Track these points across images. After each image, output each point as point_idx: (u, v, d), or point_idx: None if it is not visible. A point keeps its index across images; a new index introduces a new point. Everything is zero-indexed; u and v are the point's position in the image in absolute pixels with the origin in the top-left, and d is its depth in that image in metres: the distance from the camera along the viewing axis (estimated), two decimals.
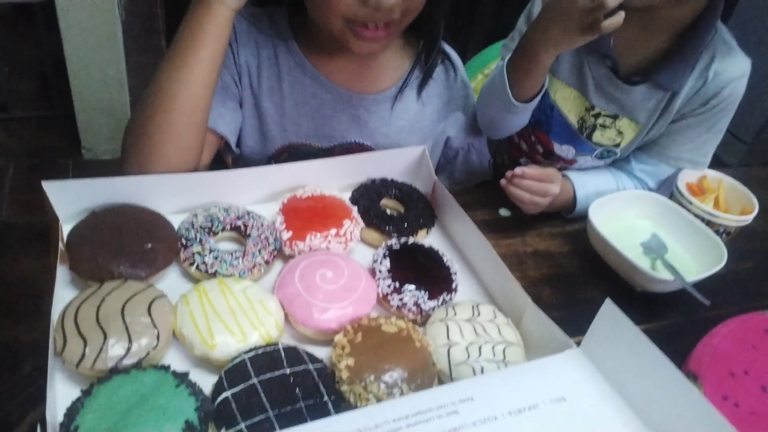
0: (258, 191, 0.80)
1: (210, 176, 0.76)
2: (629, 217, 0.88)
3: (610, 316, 0.58)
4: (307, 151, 0.91)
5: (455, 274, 0.73)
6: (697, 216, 0.86)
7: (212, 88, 0.75)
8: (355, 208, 0.78)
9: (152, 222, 0.70)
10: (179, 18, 1.16)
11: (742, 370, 0.65)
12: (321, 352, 0.62)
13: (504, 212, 0.91)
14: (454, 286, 0.71)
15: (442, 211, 0.83)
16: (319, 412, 0.54)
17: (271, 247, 0.71)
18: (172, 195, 0.74)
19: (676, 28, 0.80)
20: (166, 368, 0.55)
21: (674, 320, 0.79)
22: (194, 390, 0.54)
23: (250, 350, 0.58)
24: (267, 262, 0.70)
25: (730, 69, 0.82)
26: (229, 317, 0.61)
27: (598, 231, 0.80)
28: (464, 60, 1.17)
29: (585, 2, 0.71)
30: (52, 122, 2.40)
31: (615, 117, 0.89)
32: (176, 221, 0.73)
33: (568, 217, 0.92)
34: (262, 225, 0.73)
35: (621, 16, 0.70)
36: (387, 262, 0.71)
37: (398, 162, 0.86)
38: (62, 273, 0.64)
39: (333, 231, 0.73)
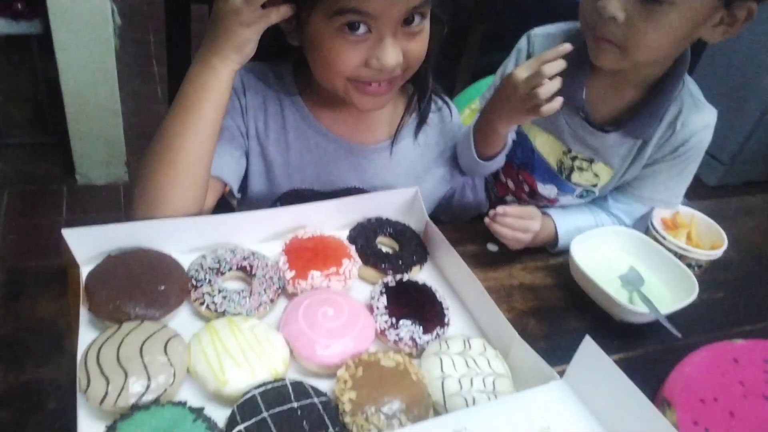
0: (261, 232, 0.85)
1: (217, 219, 0.81)
2: (608, 251, 0.94)
3: (589, 350, 0.64)
4: (311, 195, 0.96)
5: (447, 309, 0.78)
6: (670, 250, 0.92)
7: (215, 139, 0.81)
8: (352, 247, 0.84)
9: (164, 264, 0.74)
10: (179, 49, 1.23)
11: (711, 397, 0.71)
12: (324, 385, 0.67)
13: (492, 247, 0.97)
14: (446, 320, 0.76)
15: (433, 248, 0.89)
16: None
17: (275, 286, 0.76)
18: (181, 237, 0.79)
19: (646, 82, 0.87)
20: (183, 404, 0.60)
21: (650, 348, 0.84)
22: (210, 424, 0.58)
23: (260, 386, 0.63)
24: (272, 301, 0.75)
25: (697, 120, 0.89)
26: (239, 355, 0.65)
27: (579, 266, 0.86)
28: (451, 96, 1.24)
29: (521, 91, 0.79)
30: (46, 149, 2.44)
31: (591, 161, 0.96)
32: (186, 261, 0.77)
33: (552, 251, 0.98)
34: (267, 265, 0.78)
35: (558, 102, 0.78)
36: (384, 299, 0.77)
37: (392, 202, 0.92)
38: (82, 314, 0.68)
39: (333, 269, 0.79)
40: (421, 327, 0.74)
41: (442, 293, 0.80)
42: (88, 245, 0.73)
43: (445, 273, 0.87)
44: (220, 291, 0.73)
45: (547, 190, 1.03)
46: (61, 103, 2.16)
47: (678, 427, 0.68)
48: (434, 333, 0.74)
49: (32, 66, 2.27)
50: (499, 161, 0.96)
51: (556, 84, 0.78)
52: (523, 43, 0.98)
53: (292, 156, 0.94)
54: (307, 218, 0.86)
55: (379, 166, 0.97)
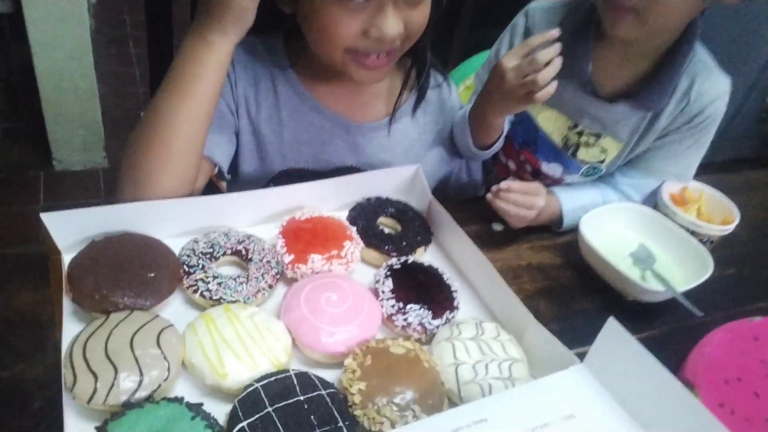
0: (255, 214, 0.80)
1: (208, 200, 0.75)
2: (617, 228, 0.90)
3: (613, 332, 0.60)
4: (306, 175, 0.91)
5: (456, 291, 0.74)
6: (681, 226, 0.89)
7: (209, 118, 0.75)
8: (353, 229, 0.79)
9: (153, 249, 0.69)
10: (159, 28, 1.15)
11: (735, 377, 0.68)
12: (330, 375, 0.62)
13: (497, 226, 0.92)
14: (455, 304, 0.72)
15: (438, 228, 0.84)
16: None
17: (274, 271, 0.71)
18: (171, 220, 0.74)
19: (656, 52, 0.83)
20: (180, 400, 0.55)
21: (665, 328, 0.81)
22: (210, 422, 0.54)
23: (262, 378, 0.58)
24: (270, 286, 0.70)
25: (712, 89, 0.85)
26: (238, 345, 0.61)
27: (590, 244, 0.82)
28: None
29: (512, 81, 0.77)
30: (21, 134, 2.34)
31: (598, 135, 0.92)
32: (176, 245, 0.72)
33: (557, 231, 0.94)
34: (264, 249, 0.73)
35: (553, 86, 0.75)
36: (389, 283, 0.72)
37: (392, 181, 0.87)
38: (66, 304, 0.63)
39: (334, 252, 0.74)
40: (430, 312, 0.70)
41: (449, 275, 0.76)
42: (69, 230, 0.67)
43: (451, 254, 0.83)
44: (215, 277, 0.68)
45: (551, 169, 0.99)
46: (36, 86, 2.06)
47: None
48: (444, 317, 0.70)
49: (4, 47, 2.17)
50: (497, 147, 0.92)
51: (554, 69, 0.75)
52: (520, 19, 0.93)
53: (286, 134, 0.88)
54: (303, 198, 0.81)
55: (377, 144, 0.92)
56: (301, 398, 0.57)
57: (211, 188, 0.97)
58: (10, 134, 2.34)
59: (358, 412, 0.57)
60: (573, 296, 0.84)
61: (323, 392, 0.58)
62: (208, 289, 0.67)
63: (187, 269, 0.69)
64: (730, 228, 0.90)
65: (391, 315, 0.69)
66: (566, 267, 0.88)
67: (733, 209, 0.93)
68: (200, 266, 0.69)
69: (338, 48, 0.77)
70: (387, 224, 0.86)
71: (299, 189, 0.80)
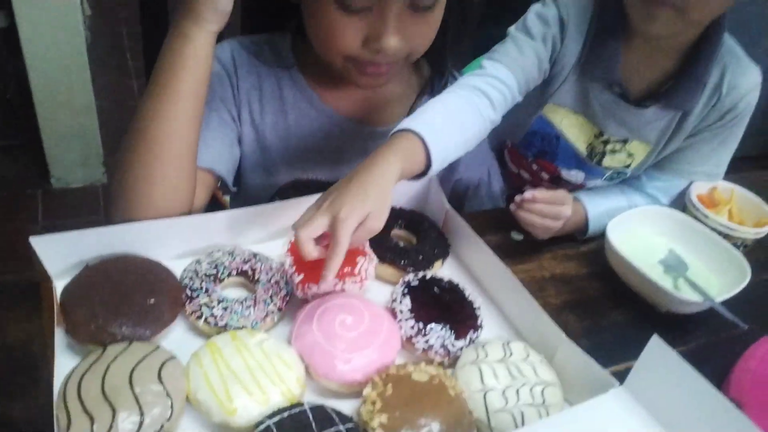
0: (261, 230, 0.75)
1: (209, 218, 0.70)
2: (645, 234, 0.85)
3: (656, 351, 0.55)
4: (315, 186, 0.86)
5: (479, 308, 0.69)
6: (713, 230, 0.83)
7: (198, 120, 0.69)
8: (366, 243, 0.74)
9: (152, 273, 0.64)
10: (154, 38, 1.11)
11: None
12: (348, 406, 0.58)
13: (516, 236, 0.87)
14: (479, 322, 0.67)
15: (455, 240, 0.79)
16: None
17: (283, 292, 0.66)
18: (170, 240, 0.69)
19: (682, 48, 0.78)
20: None
21: (701, 342, 0.76)
22: None
23: (274, 414, 0.53)
24: (280, 309, 0.65)
25: (744, 81, 0.80)
26: (247, 376, 0.56)
27: (618, 252, 0.77)
28: None
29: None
30: (18, 151, 2.29)
31: (625, 141, 0.86)
32: (177, 268, 0.67)
33: (581, 238, 0.89)
34: (271, 268, 0.68)
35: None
36: (407, 301, 0.67)
37: (406, 191, 0.82)
38: (59, 336, 0.58)
39: (347, 269, 0.69)
40: (452, 332, 0.64)
41: (471, 291, 0.71)
42: (61, 255, 0.63)
43: (471, 267, 0.78)
44: (219, 301, 0.63)
45: (572, 175, 0.94)
46: (31, 102, 2.02)
47: None
48: (467, 338, 0.65)
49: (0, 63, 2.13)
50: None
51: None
52: (550, 8, 0.84)
53: (293, 141, 0.83)
54: None
55: None
56: None
57: (213, 205, 0.92)
58: (6, 151, 2.29)
59: None
60: (602, 309, 0.78)
61: (341, 427, 0.53)
62: (212, 315, 0.62)
63: (189, 293, 0.64)
64: (766, 230, 0.84)
65: (411, 337, 0.64)
66: (593, 277, 0.83)
67: (766, 209, 0.87)
68: (204, 289, 0.64)
69: (338, 54, 0.72)
70: (401, 236, 0.81)
71: (307, 201, 0.75)
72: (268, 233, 0.75)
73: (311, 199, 0.74)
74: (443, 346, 0.63)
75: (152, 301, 0.61)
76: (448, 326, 0.65)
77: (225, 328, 0.61)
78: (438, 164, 0.68)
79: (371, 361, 0.60)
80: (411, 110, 0.86)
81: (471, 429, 0.56)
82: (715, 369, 0.69)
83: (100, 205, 2.21)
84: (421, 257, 0.74)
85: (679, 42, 0.78)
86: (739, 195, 0.91)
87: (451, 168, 0.85)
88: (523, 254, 0.86)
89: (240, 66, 0.80)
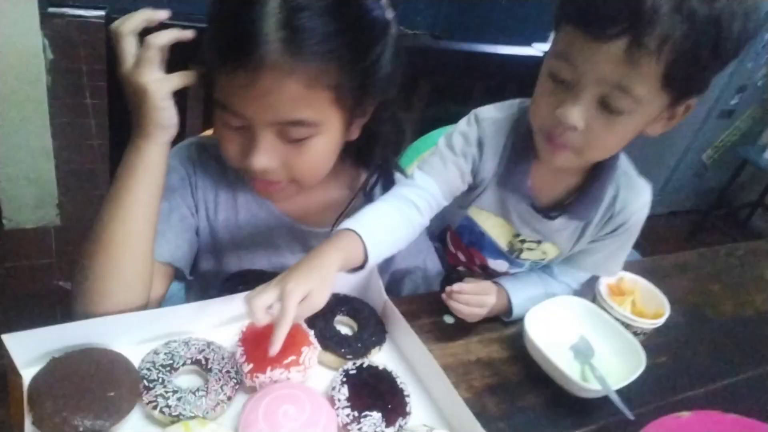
0: (215, 318, 0.82)
1: (167, 312, 0.78)
2: (560, 320, 0.96)
3: None
4: (260, 276, 0.93)
5: (408, 396, 0.78)
6: (617, 320, 0.95)
7: (153, 222, 0.77)
8: (311, 332, 0.82)
9: (113, 365, 0.71)
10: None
11: None
12: None
13: (448, 319, 0.97)
14: (408, 409, 0.76)
15: (392, 326, 0.88)
16: None
17: (233, 382, 0.74)
18: (131, 329, 0.75)
19: (585, 168, 0.90)
20: None
21: (601, 423, 0.86)
22: None
23: None
24: (229, 398, 0.73)
25: (634, 200, 0.93)
26: None
27: (534, 343, 0.88)
28: None
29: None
30: None
31: (539, 242, 0.99)
32: (137, 354, 0.74)
33: (507, 320, 1.00)
34: (223, 358, 0.76)
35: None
36: (345, 390, 0.76)
37: (348, 281, 0.91)
38: (27, 428, 0.63)
39: (292, 359, 0.77)
40: (384, 420, 0.73)
41: (402, 378, 0.80)
42: (29, 348, 0.69)
43: (404, 353, 0.87)
44: (174, 392, 0.70)
45: (497, 264, 1.05)
46: None
47: None
48: (397, 425, 0.73)
49: None
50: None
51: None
52: (471, 126, 0.94)
53: (242, 237, 0.92)
54: None
55: None
56: None
57: None
58: None
59: None
60: (520, 392, 0.88)
61: None
62: (167, 405, 0.68)
63: (147, 384, 0.70)
64: (660, 321, 0.97)
65: (347, 424, 0.72)
66: (513, 361, 0.93)
67: (664, 302, 1.00)
68: (160, 380, 0.71)
69: (231, 164, 0.80)
70: (344, 323, 0.89)
71: None
72: (220, 320, 0.83)
73: None
74: None
75: (112, 393, 0.67)
76: (380, 414, 0.74)
77: (179, 417, 0.68)
78: (374, 259, 0.78)
79: None
80: (346, 210, 0.93)
81: None
82: None
83: (52, 246, 2.22)
84: (359, 345, 0.83)
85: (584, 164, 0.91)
86: (642, 286, 1.04)
87: (388, 260, 0.94)
88: (454, 336, 0.95)
89: (198, 167, 0.88)
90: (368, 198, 0.94)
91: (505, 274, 1.05)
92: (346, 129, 0.81)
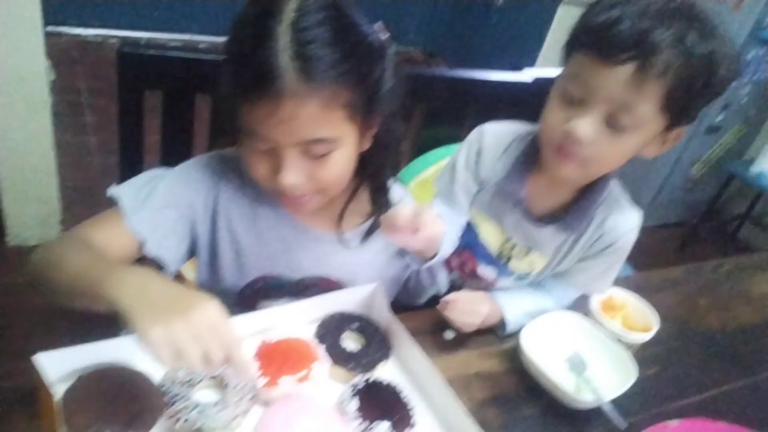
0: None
1: None
2: (555, 334, 1.01)
3: None
4: (278, 282, 0.99)
5: (412, 409, 0.83)
6: (609, 333, 1.01)
7: None
8: (322, 347, 0.87)
9: (136, 382, 0.75)
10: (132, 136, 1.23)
11: None
12: None
13: (448, 335, 1.02)
14: (412, 422, 0.81)
15: (397, 342, 0.93)
16: None
17: (249, 395, 0.78)
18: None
19: (579, 183, 0.97)
20: None
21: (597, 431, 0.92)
22: None
23: None
24: (245, 412, 0.77)
25: (623, 224, 1.00)
26: None
27: (529, 357, 0.93)
28: (397, 169, 1.30)
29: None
30: None
31: (527, 251, 1.05)
32: (157, 370, 0.78)
33: (502, 336, 1.05)
34: (239, 373, 0.80)
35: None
36: (355, 402, 0.80)
37: (354, 298, 0.96)
38: None
39: (304, 373, 0.82)
40: (394, 430, 0.78)
41: (407, 392, 0.85)
42: (59, 366, 0.73)
43: (410, 367, 0.92)
44: (195, 407, 0.74)
45: (486, 271, 1.11)
46: None
47: None
48: None
49: None
50: (440, 258, 0.98)
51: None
52: (475, 137, 1.04)
53: (263, 244, 0.96)
54: (274, 320, 0.89)
55: (346, 257, 1.00)
56: None
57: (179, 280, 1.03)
58: None
59: None
60: (518, 403, 0.93)
61: None
62: (188, 419, 0.73)
63: (168, 399, 0.75)
64: (650, 335, 1.03)
65: None
66: (511, 373, 0.98)
67: (653, 316, 1.06)
68: (180, 396, 0.75)
69: (261, 184, 0.86)
70: (352, 338, 0.94)
71: (271, 313, 0.89)
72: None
73: (274, 312, 0.88)
74: None
75: (137, 407, 0.72)
76: (389, 424, 0.79)
77: (200, 430, 0.73)
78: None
79: None
80: (368, 226, 1.00)
81: None
82: None
83: None
84: (366, 360, 0.88)
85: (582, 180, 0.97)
86: (632, 302, 1.10)
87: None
88: (454, 350, 1.00)
89: (222, 178, 0.93)
90: (376, 215, 0.99)
91: (493, 284, 1.11)
92: (360, 140, 0.87)
